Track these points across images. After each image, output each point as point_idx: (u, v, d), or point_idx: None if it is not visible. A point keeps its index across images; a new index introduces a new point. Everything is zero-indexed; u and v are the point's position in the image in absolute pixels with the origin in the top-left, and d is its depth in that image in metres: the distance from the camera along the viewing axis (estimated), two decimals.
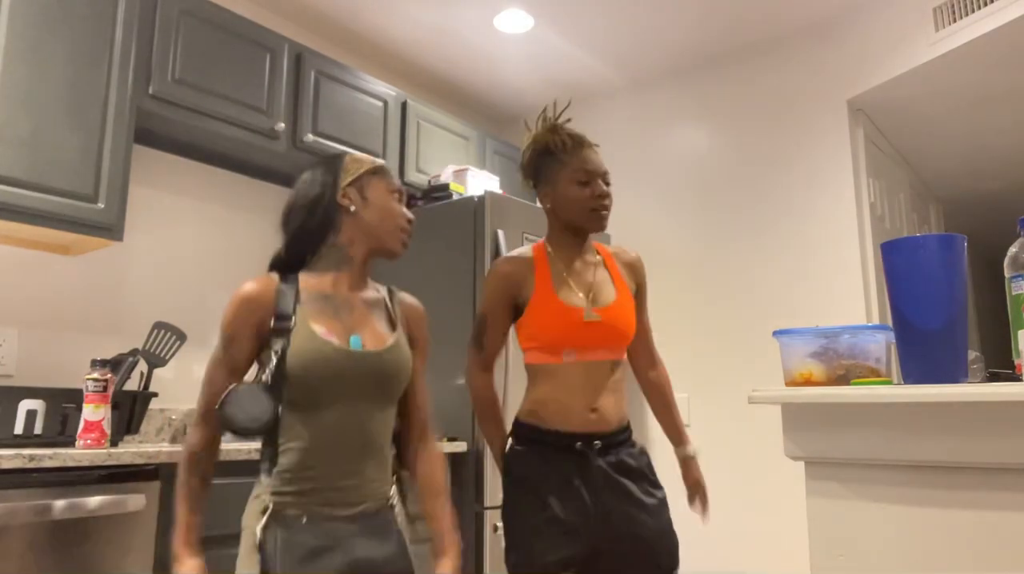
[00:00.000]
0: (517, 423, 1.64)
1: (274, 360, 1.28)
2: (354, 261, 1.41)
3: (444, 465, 1.49)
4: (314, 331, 1.31)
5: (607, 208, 1.63)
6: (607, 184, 1.64)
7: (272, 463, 1.30)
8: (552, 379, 1.59)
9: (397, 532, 1.36)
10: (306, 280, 1.39)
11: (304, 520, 1.27)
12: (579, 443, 1.55)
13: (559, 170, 1.63)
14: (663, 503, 1.60)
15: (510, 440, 1.64)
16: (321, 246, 1.42)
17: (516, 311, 1.65)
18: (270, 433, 1.29)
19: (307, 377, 1.28)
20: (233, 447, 1.94)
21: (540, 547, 1.49)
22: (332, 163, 1.45)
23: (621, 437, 1.61)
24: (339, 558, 1.26)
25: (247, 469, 1.96)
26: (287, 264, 1.42)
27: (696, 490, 1.76)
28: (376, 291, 1.47)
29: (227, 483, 1.91)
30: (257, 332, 1.33)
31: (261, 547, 1.25)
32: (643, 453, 1.64)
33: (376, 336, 1.38)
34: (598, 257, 1.72)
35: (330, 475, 1.30)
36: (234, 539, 1.33)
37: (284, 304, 1.33)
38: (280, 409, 1.29)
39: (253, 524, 1.29)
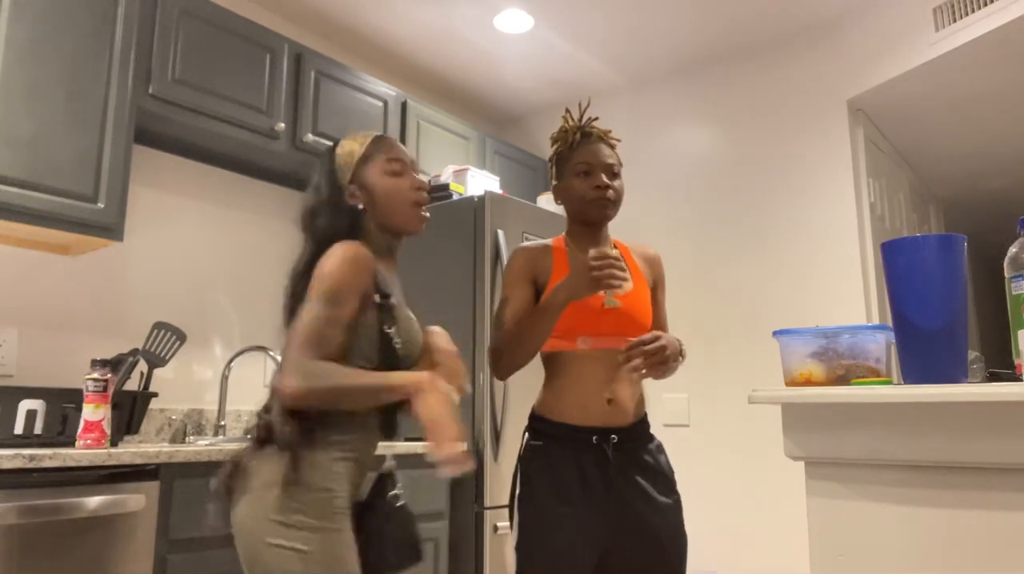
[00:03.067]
0: (533, 417, 1.63)
1: (380, 337, 1.32)
2: (388, 247, 1.44)
3: None
4: (409, 315, 1.40)
5: (608, 199, 1.63)
6: (613, 176, 1.65)
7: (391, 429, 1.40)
8: (567, 368, 1.59)
9: None
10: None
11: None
12: (595, 437, 1.54)
13: (565, 164, 1.67)
14: (677, 505, 1.60)
15: (526, 435, 1.62)
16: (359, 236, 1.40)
17: (537, 295, 1.64)
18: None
19: (406, 360, 1.36)
20: (233, 447, 1.94)
21: (557, 545, 1.48)
22: (326, 163, 1.46)
23: (638, 431, 1.61)
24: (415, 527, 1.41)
25: None
26: None
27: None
28: None
29: None
30: (362, 294, 1.31)
31: (377, 508, 1.37)
32: (660, 450, 1.64)
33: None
34: (615, 250, 1.71)
35: (375, 448, 1.40)
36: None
37: (383, 280, 1.35)
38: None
39: (347, 485, 1.33)
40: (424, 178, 1.46)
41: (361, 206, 1.41)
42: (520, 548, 1.54)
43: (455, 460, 1.17)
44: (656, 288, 1.77)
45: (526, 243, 1.69)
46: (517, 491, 1.57)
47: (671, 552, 1.55)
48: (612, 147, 1.68)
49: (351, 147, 1.46)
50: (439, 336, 1.43)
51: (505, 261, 2.66)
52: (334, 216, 1.40)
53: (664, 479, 1.60)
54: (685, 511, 1.63)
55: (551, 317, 1.51)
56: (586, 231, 1.69)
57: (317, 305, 1.25)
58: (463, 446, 1.18)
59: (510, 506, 1.59)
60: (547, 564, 1.48)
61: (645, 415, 1.66)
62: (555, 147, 1.71)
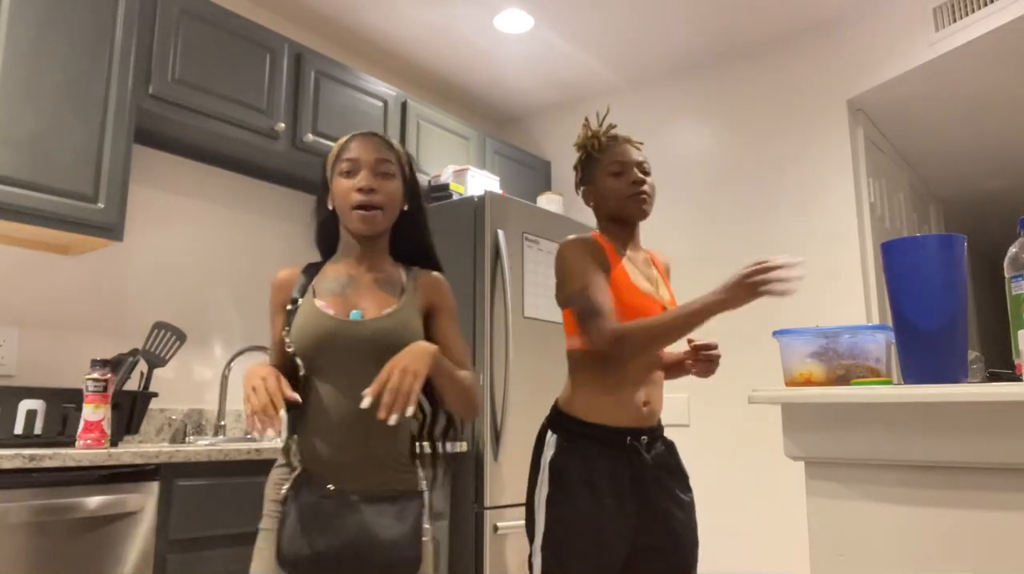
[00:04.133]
0: (563, 416, 1.59)
1: (285, 339, 1.40)
2: (353, 246, 1.47)
3: (472, 379, 1.43)
4: (315, 306, 1.38)
5: (645, 194, 1.66)
6: (645, 173, 1.69)
7: (292, 432, 1.38)
8: (609, 371, 1.57)
9: (415, 518, 1.35)
10: (327, 267, 1.48)
11: (329, 486, 1.32)
12: (629, 438, 1.56)
13: (595, 167, 1.70)
14: (693, 502, 1.64)
15: (556, 436, 1.57)
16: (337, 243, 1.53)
17: None
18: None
19: (304, 346, 1.36)
20: (233, 447, 1.94)
21: (594, 544, 1.48)
22: (323, 166, 1.52)
23: (660, 431, 1.65)
24: (343, 532, 1.29)
25: (252, 469, 1.96)
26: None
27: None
28: (395, 269, 1.51)
29: (238, 483, 1.92)
30: (283, 312, 1.44)
31: (285, 502, 1.32)
32: (675, 449, 1.67)
33: (380, 307, 1.41)
34: (645, 254, 1.78)
35: (334, 446, 1.34)
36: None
37: (297, 290, 1.43)
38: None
39: (276, 489, 1.36)
40: (368, 179, 1.39)
41: (331, 207, 1.47)
42: (549, 547, 1.50)
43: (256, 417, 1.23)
44: None
45: (576, 237, 1.61)
46: (545, 491, 1.54)
47: (691, 547, 1.60)
48: (638, 148, 1.73)
49: (334, 148, 1.49)
50: (399, 357, 1.30)
51: (506, 261, 2.66)
52: (323, 221, 1.51)
53: (684, 477, 1.65)
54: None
55: (700, 322, 1.44)
56: (620, 231, 1.71)
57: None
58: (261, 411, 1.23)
59: (529, 505, 1.57)
60: (583, 562, 1.48)
61: (660, 417, 1.68)
62: (583, 150, 1.74)
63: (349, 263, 1.47)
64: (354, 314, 1.38)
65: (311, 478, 1.33)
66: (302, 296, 1.41)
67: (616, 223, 1.71)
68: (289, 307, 1.41)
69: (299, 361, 1.38)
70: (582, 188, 1.75)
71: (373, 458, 1.35)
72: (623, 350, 1.48)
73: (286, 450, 1.38)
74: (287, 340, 1.38)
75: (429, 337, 1.43)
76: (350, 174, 1.41)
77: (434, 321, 1.47)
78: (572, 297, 1.55)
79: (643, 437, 1.58)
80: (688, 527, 1.60)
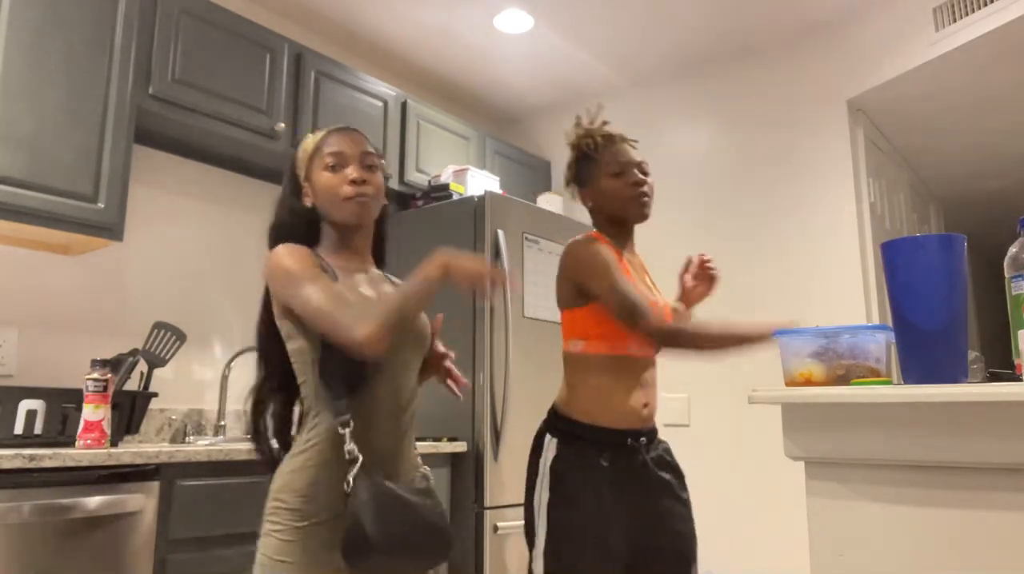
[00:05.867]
0: (561, 418, 1.58)
1: None
2: (342, 242, 1.41)
3: None
4: (361, 293, 1.33)
5: (646, 195, 1.66)
6: (644, 174, 1.67)
7: (352, 419, 1.26)
8: (613, 372, 1.57)
9: (440, 505, 1.36)
10: (324, 256, 1.39)
11: (384, 476, 1.27)
12: (629, 439, 1.56)
13: (594, 168, 1.67)
14: (690, 500, 1.66)
15: (555, 439, 1.56)
16: (318, 237, 1.44)
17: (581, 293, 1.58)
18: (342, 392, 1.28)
19: None
20: (233, 447, 1.94)
21: (598, 548, 1.47)
22: (289, 163, 1.48)
23: (656, 432, 1.66)
24: (411, 519, 1.25)
25: (253, 469, 1.95)
26: None
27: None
28: (376, 268, 1.49)
29: (238, 483, 1.91)
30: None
31: (350, 493, 1.21)
32: (670, 448, 1.68)
33: None
34: (640, 258, 1.79)
35: (383, 435, 1.32)
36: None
37: (326, 267, 1.33)
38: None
39: (335, 481, 1.24)
40: (360, 171, 1.37)
41: (310, 204, 1.42)
42: (552, 553, 1.49)
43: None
44: None
45: (587, 238, 1.61)
46: (546, 496, 1.52)
47: (691, 543, 1.61)
48: (634, 147, 1.71)
49: (307, 144, 1.46)
50: (438, 345, 1.49)
51: (506, 261, 2.66)
52: (292, 220, 1.42)
53: (681, 475, 1.66)
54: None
55: (741, 342, 1.51)
56: (619, 232, 1.71)
57: (304, 288, 1.23)
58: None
59: (528, 510, 1.55)
60: (587, 567, 1.47)
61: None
62: (577, 151, 1.70)
63: (347, 256, 1.40)
64: None
65: (366, 467, 1.24)
66: (335, 278, 1.32)
67: (615, 225, 1.70)
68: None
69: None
70: (577, 189, 1.71)
71: (409, 449, 1.38)
72: (676, 346, 1.48)
73: (336, 438, 1.26)
74: None
75: None
76: (335, 168, 1.38)
77: None
78: (612, 291, 1.51)
79: (642, 438, 1.59)
80: (688, 523, 1.62)
